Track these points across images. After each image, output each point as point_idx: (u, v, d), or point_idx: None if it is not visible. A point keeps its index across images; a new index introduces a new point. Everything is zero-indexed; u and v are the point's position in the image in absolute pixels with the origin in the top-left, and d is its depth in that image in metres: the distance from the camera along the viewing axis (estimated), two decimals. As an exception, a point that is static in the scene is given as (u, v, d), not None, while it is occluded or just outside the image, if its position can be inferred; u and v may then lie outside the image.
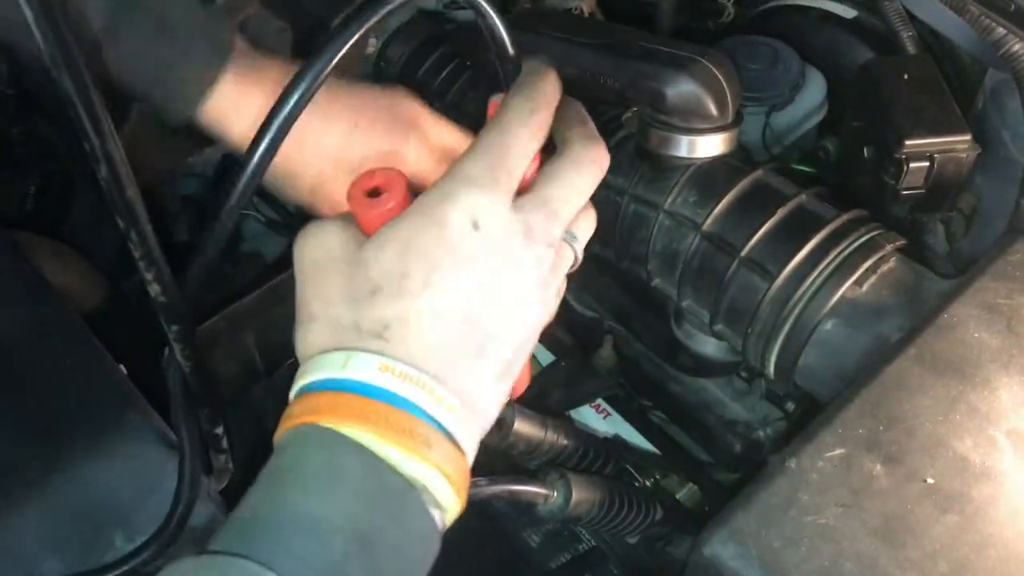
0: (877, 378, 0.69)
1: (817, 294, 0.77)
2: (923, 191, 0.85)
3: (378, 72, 1.11)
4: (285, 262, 0.55)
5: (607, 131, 0.92)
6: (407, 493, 0.45)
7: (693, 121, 0.84)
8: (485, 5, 0.56)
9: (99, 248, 1.08)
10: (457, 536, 0.50)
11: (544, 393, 0.93)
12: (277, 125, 0.49)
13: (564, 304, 1.10)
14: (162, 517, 0.64)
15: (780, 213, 0.81)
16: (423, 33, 1.10)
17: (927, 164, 0.83)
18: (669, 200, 0.85)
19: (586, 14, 1.11)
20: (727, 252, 0.82)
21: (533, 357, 0.98)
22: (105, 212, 1.08)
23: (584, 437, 0.85)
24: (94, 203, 1.11)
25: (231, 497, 0.70)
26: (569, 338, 1.01)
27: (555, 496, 0.75)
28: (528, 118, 0.52)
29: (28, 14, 0.40)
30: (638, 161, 0.89)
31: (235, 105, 0.70)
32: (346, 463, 0.45)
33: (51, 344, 0.70)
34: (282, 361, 0.98)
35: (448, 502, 0.47)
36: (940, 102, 0.86)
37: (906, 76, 0.88)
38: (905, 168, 0.83)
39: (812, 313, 0.78)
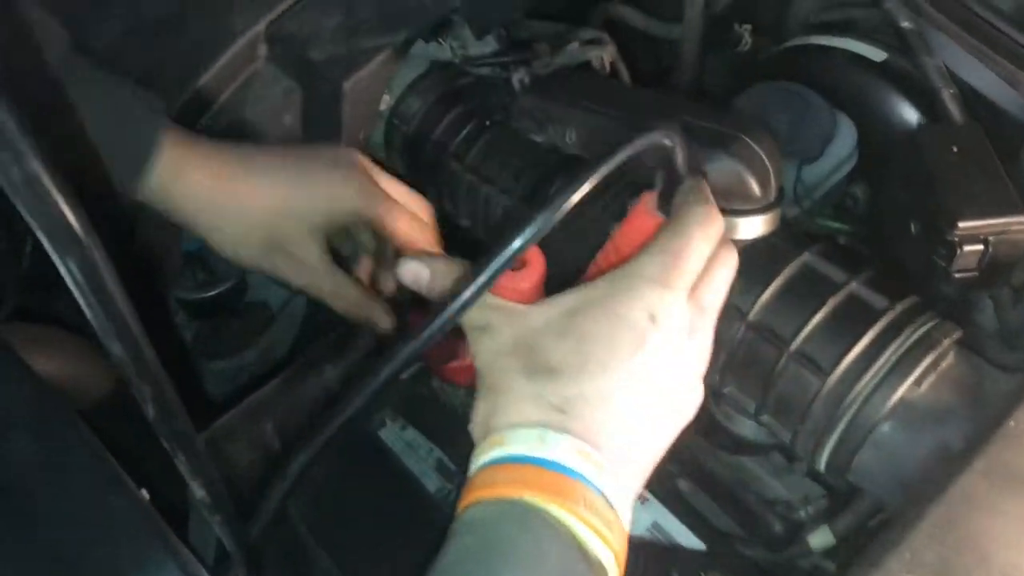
0: (944, 495, 0.65)
1: (874, 395, 0.74)
2: (975, 273, 0.81)
3: (390, 131, 1.06)
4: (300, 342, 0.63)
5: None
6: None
7: (734, 201, 0.80)
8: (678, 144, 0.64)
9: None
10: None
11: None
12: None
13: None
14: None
15: (831, 303, 0.77)
16: (439, 88, 1.05)
17: (981, 247, 0.79)
18: (711, 285, 0.81)
19: (607, 63, 1.06)
20: (775, 344, 0.78)
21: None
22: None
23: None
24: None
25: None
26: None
27: None
28: (706, 226, 0.61)
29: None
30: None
31: (173, 181, 0.75)
32: (552, 548, 0.48)
33: (60, 468, 0.65)
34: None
35: None
36: (993, 178, 0.82)
37: (955, 148, 0.84)
38: (958, 251, 0.79)
39: (869, 414, 0.74)
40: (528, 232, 0.54)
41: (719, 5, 1.19)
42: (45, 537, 0.63)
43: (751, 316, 0.79)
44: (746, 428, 0.90)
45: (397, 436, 0.91)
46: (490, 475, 0.52)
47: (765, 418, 0.81)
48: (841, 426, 0.75)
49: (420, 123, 1.04)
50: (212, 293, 1.21)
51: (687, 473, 0.96)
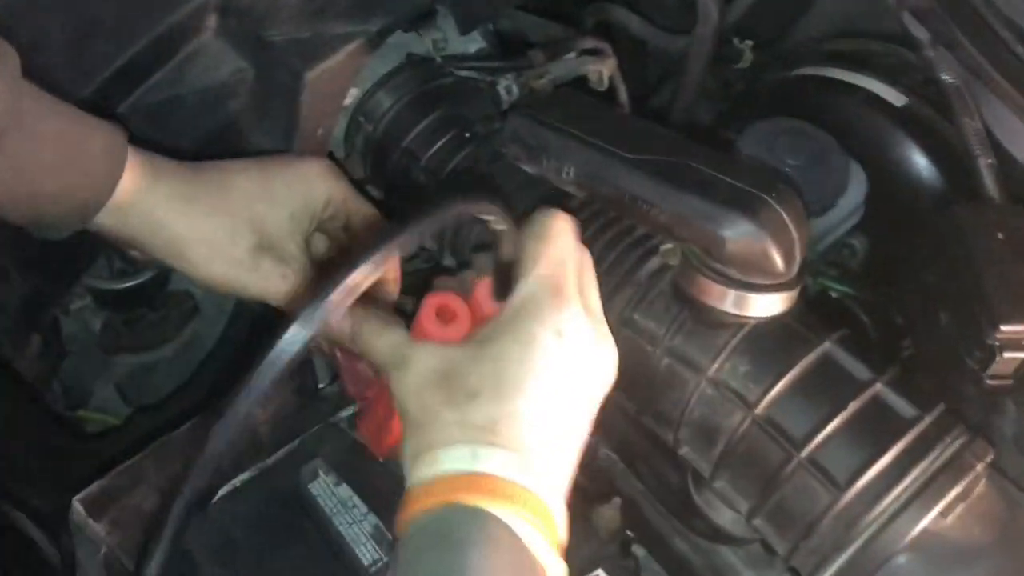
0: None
1: (894, 520, 0.64)
2: (1010, 382, 0.72)
3: (352, 129, 0.92)
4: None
5: (636, 257, 0.77)
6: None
7: (752, 275, 0.69)
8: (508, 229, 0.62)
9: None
10: None
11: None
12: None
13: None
14: None
15: (852, 407, 0.67)
16: (414, 86, 0.91)
17: (1023, 356, 0.70)
18: (715, 366, 0.71)
19: (605, 77, 0.94)
20: (783, 446, 0.67)
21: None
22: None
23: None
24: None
25: None
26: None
27: None
28: (568, 234, 0.65)
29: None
30: (674, 305, 0.74)
31: (140, 205, 0.72)
32: (501, 540, 0.52)
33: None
34: (214, 493, 0.81)
35: None
36: (1041, 275, 0.72)
37: (1000, 235, 0.74)
38: (997, 357, 0.70)
39: (886, 543, 0.64)
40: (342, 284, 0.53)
41: (727, 21, 1.08)
42: None
43: (758, 409, 0.69)
44: (725, 518, 0.80)
45: (329, 492, 0.79)
46: (426, 489, 0.55)
47: (759, 522, 0.71)
48: (851, 550, 0.65)
49: (389, 125, 0.91)
50: (130, 284, 1.07)
51: (654, 554, 0.86)
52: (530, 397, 0.57)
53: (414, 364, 0.60)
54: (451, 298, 0.64)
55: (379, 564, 0.77)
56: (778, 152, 0.95)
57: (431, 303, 0.63)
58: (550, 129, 0.75)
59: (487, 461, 0.55)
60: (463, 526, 0.52)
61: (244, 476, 0.82)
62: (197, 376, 1.17)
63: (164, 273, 1.09)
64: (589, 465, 0.90)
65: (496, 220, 0.61)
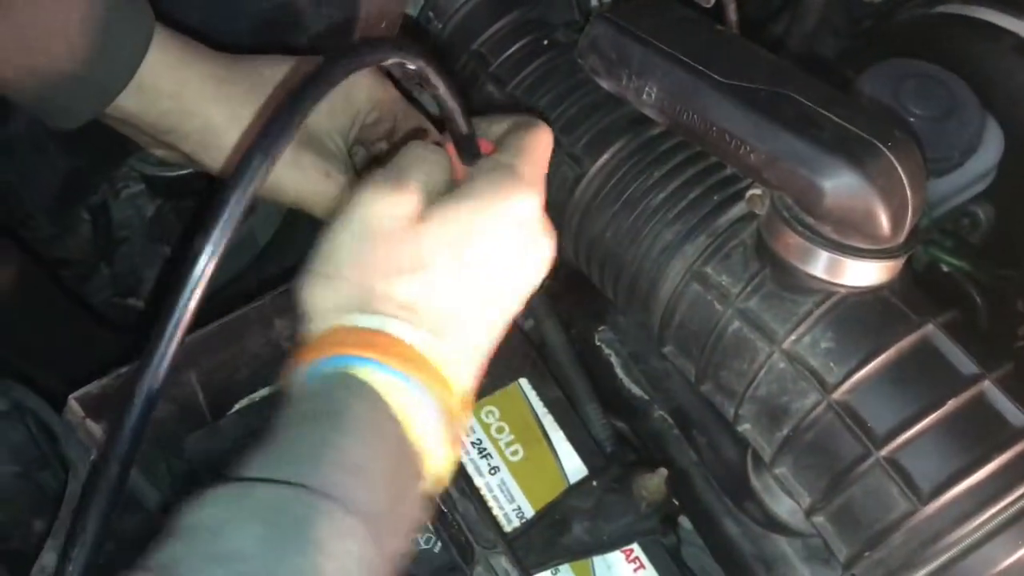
0: None
1: (984, 545, 0.54)
2: None
3: (419, 26, 0.83)
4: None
5: (719, 202, 0.67)
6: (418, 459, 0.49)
7: (850, 236, 0.58)
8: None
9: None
10: None
11: (563, 526, 0.70)
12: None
13: (606, 371, 0.86)
14: None
15: (951, 406, 0.56)
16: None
17: None
18: (793, 337, 0.60)
19: (712, -5, 0.82)
20: (861, 440, 0.57)
21: (553, 460, 0.75)
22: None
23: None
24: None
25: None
26: (610, 435, 0.78)
27: None
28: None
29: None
30: (755, 262, 0.64)
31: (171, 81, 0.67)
32: (388, 426, 0.48)
33: None
34: (230, 405, 0.75)
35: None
36: None
37: None
38: None
39: (968, 570, 0.54)
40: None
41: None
42: None
43: (836, 393, 0.58)
44: (783, 507, 0.70)
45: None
46: (325, 337, 0.50)
47: (819, 520, 0.61)
48: (926, 570, 0.55)
49: (460, 24, 0.81)
50: (181, 173, 1.00)
51: (700, 532, 0.77)
52: (462, 278, 0.53)
53: (363, 217, 0.53)
54: None
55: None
56: (903, 98, 0.82)
57: None
58: (636, 40, 0.65)
59: (394, 328, 0.50)
60: (346, 399, 0.47)
61: (263, 392, 0.76)
62: (247, 273, 1.12)
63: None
64: (639, 429, 0.82)
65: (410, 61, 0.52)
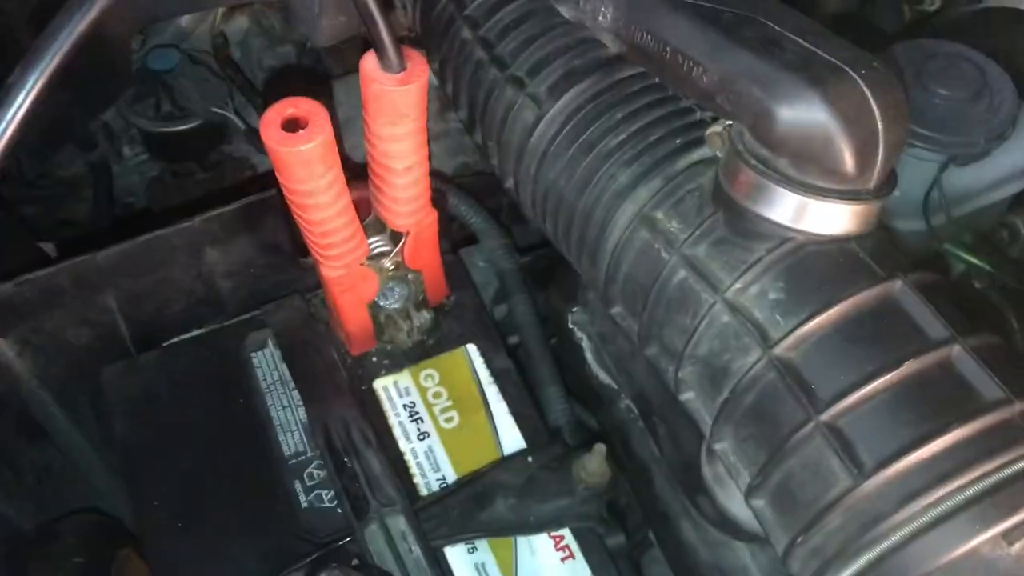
0: None
1: (931, 531, 0.45)
2: None
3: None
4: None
5: (678, 145, 0.60)
6: None
7: (810, 172, 0.51)
8: None
9: None
10: None
11: (486, 500, 0.63)
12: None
13: (577, 356, 0.79)
14: None
15: (910, 367, 0.48)
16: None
17: None
18: (739, 284, 0.53)
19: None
20: (801, 403, 0.49)
21: (490, 432, 0.68)
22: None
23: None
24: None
25: None
26: (568, 421, 0.71)
27: None
28: None
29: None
30: (709, 206, 0.56)
31: None
32: None
33: None
34: (158, 341, 0.71)
35: None
36: None
37: None
38: None
39: (913, 557, 0.45)
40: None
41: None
42: None
43: (779, 349, 0.50)
44: (736, 503, 0.61)
45: (271, 367, 0.67)
46: None
47: (758, 503, 0.53)
48: (866, 557, 0.46)
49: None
50: (178, 128, 0.99)
51: (658, 537, 0.69)
52: None
53: None
54: (302, 102, 0.55)
55: (300, 459, 0.64)
56: (927, 77, 0.75)
57: (275, 112, 0.54)
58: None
59: None
60: None
61: (192, 334, 0.71)
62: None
63: (216, 127, 1.01)
64: (604, 420, 0.75)
65: None
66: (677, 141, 0.60)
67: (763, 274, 0.53)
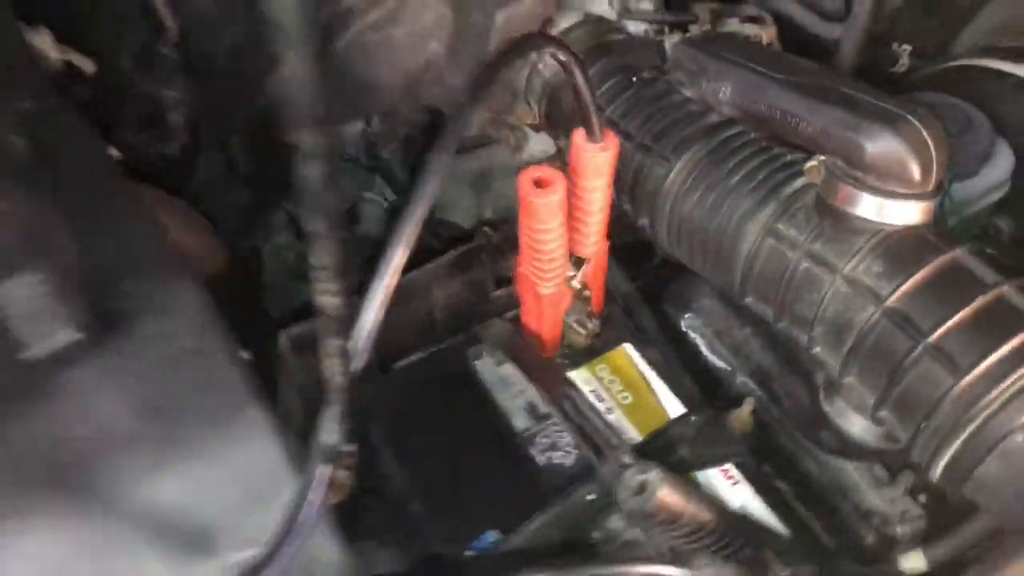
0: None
1: (1012, 401, 0.69)
2: None
3: (533, 75, 1.04)
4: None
5: (783, 177, 0.85)
6: None
7: (890, 183, 0.76)
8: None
9: (221, 212, 1.04)
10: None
11: (670, 449, 0.86)
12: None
13: (694, 350, 1.03)
14: (268, 529, 0.58)
15: (979, 302, 0.72)
16: (591, 39, 1.03)
17: None
18: (851, 265, 0.77)
19: (765, 43, 1.03)
20: (910, 335, 0.73)
21: (657, 404, 0.91)
22: (233, 178, 1.03)
23: (725, 516, 0.78)
24: (221, 167, 1.07)
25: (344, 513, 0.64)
26: (698, 390, 0.94)
27: None
28: None
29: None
30: (816, 216, 0.81)
31: None
32: None
33: (175, 319, 0.65)
34: (397, 360, 0.93)
35: None
36: None
37: None
38: None
39: (1003, 421, 0.69)
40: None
41: (887, 9, 1.15)
42: (150, 375, 0.62)
43: (888, 302, 0.75)
44: (856, 427, 0.85)
45: (492, 370, 0.89)
46: None
47: (884, 413, 0.76)
48: (969, 429, 0.70)
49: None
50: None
51: (783, 475, 0.91)
52: None
53: None
54: (544, 169, 0.77)
55: (529, 431, 0.86)
56: (924, 119, 1.01)
57: (527, 175, 0.77)
58: (710, 56, 0.85)
59: None
60: None
61: (418, 355, 0.93)
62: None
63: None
64: (702, 374, 0.98)
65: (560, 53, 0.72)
66: (780, 176, 0.85)
67: (867, 255, 0.77)
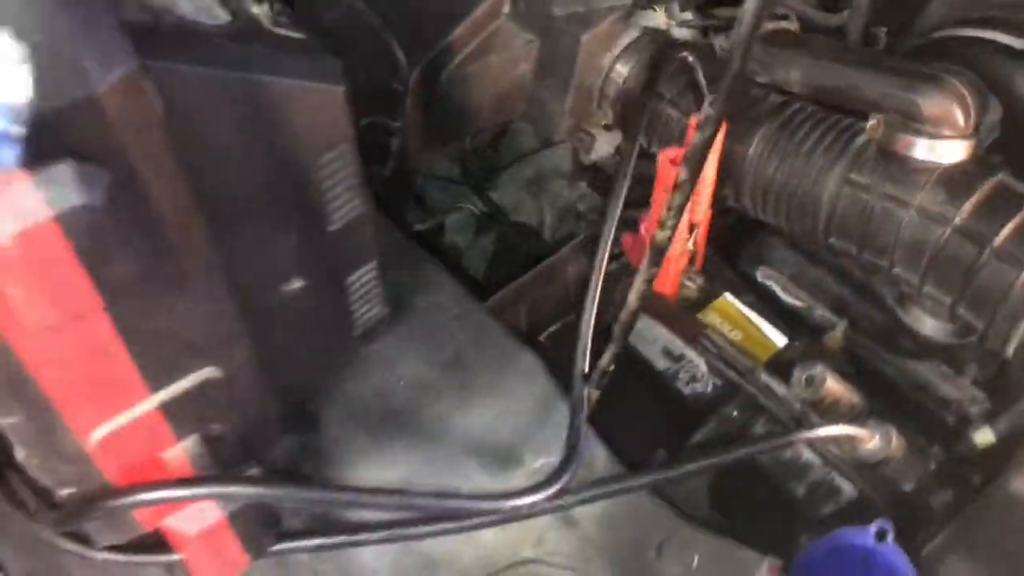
0: None
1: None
2: None
3: (606, 83, 1.23)
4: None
5: (847, 138, 1.05)
6: None
7: (942, 129, 0.97)
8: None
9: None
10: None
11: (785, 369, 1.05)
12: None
13: (772, 296, 1.22)
14: (552, 441, 0.75)
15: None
16: (652, 48, 1.22)
17: None
18: (919, 197, 0.98)
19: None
20: (978, 244, 0.94)
21: (764, 336, 1.10)
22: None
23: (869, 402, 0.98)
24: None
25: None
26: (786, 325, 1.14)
27: (876, 439, 0.87)
28: None
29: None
30: (881, 164, 1.02)
31: None
32: None
33: (439, 294, 0.82)
34: (544, 330, 1.10)
35: None
36: None
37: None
38: None
39: (1062, 298, 0.90)
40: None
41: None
42: (437, 338, 0.78)
43: (956, 221, 0.95)
44: (928, 328, 1.05)
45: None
46: None
47: (961, 311, 0.97)
48: (1037, 309, 0.91)
49: (638, 76, 1.21)
50: (429, 226, 1.38)
51: (868, 382, 1.11)
52: None
53: None
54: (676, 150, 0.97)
55: (671, 370, 1.04)
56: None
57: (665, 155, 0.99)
58: (780, 47, 1.06)
59: None
60: None
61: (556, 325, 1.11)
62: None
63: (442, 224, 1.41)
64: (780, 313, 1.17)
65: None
66: (844, 136, 1.05)
67: (932, 188, 0.97)
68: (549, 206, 1.49)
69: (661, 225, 0.85)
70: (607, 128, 1.28)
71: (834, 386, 0.93)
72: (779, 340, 1.09)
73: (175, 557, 0.63)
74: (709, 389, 1.03)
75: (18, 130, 0.38)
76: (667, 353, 1.06)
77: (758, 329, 1.10)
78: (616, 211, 0.83)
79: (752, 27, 0.64)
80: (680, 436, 0.99)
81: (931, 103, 0.96)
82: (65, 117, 0.39)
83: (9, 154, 0.39)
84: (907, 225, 0.99)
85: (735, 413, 1.00)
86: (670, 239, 0.83)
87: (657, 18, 1.22)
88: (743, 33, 0.64)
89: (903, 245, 0.99)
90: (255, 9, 0.53)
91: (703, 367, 1.03)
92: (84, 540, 0.64)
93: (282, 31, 0.53)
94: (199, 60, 0.46)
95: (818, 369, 0.93)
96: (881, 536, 0.80)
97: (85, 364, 0.49)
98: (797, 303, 1.20)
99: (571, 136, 1.30)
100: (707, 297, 1.13)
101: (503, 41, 1.20)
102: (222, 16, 0.50)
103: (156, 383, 0.54)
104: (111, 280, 0.44)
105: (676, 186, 0.85)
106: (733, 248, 1.24)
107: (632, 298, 0.77)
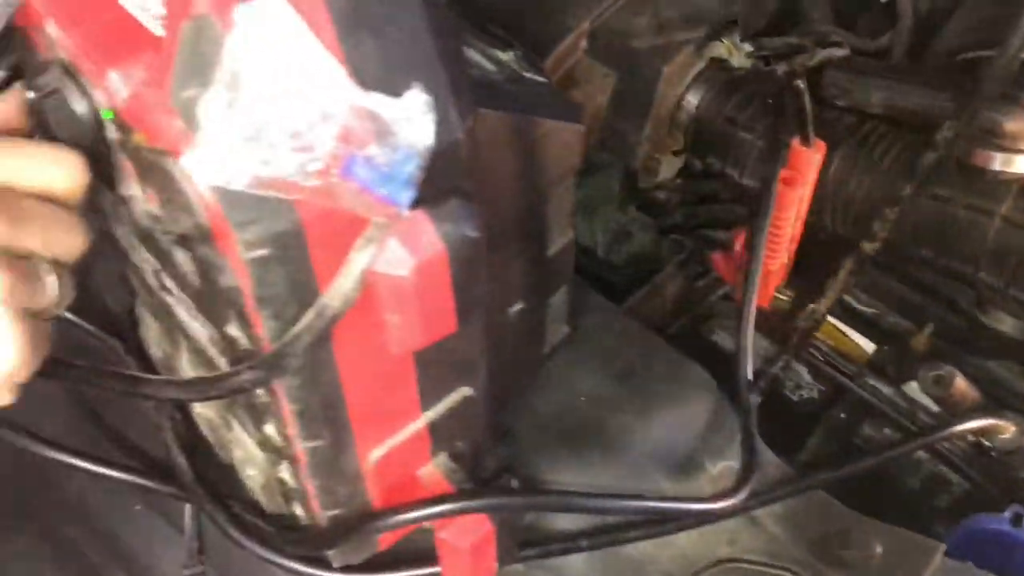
0: None
1: None
2: None
3: (678, 111, 1.30)
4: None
5: (925, 150, 1.13)
6: None
7: (1019, 144, 1.05)
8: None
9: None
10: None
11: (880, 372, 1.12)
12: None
13: (840, 303, 1.30)
14: (725, 446, 0.80)
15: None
16: (721, 77, 1.29)
17: None
18: (1005, 207, 1.06)
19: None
20: (1062, 246, 1.02)
21: (856, 343, 1.17)
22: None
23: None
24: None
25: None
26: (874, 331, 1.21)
27: (1013, 429, 0.94)
28: None
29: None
30: (959, 176, 1.09)
31: None
32: None
33: (600, 314, 0.87)
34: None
35: None
36: None
37: None
38: None
39: None
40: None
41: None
42: (608, 354, 0.83)
43: (1042, 226, 1.03)
44: (1009, 327, 1.13)
45: (724, 336, 1.13)
46: None
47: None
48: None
49: (709, 103, 1.28)
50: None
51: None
52: None
53: None
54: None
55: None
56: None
57: None
58: (856, 73, 1.13)
59: None
60: None
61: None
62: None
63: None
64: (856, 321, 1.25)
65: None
66: (921, 150, 1.13)
67: (1015, 198, 1.06)
68: (601, 230, 1.55)
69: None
70: (675, 154, 1.34)
71: (961, 383, 1.00)
72: (866, 345, 1.16)
73: (418, 572, 0.67)
74: (816, 395, 1.09)
75: (420, 174, 0.42)
76: (768, 362, 1.12)
77: (846, 336, 1.17)
78: (764, 233, 0.89)
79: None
80: (799, 441, 1.05)
81: (1011, 119, 1.04)
82: (439, 160, 0.43)
83: (410, 195, 0.43)
84: (994, 234, 1.06)
85: (843, 415, 1.07)
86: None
87: (722, 48, 1.30)
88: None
89: (987, 252, 1.07)
90: (503, 56, 0.58)
91: (806, 375, 1.09)
92: (322, 563, 0.67)
93: (530, 75, 0.57)
94: (494, 104, 0.51)
95: (946, 368, 1.00)
96: (1017, 521, 0.87)
97: (386, 387, 0.53)
98: (868, 310, 1.27)
99: (643, 162, 1.36)
100: (795, 308, 1.20)
101: (583, 75, 1.26)
102: (487, 64, 0.55)
103: (427, 403, 0.58)
104: (466, 305, 0.48)
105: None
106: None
107: (823, 308, 0.83)
